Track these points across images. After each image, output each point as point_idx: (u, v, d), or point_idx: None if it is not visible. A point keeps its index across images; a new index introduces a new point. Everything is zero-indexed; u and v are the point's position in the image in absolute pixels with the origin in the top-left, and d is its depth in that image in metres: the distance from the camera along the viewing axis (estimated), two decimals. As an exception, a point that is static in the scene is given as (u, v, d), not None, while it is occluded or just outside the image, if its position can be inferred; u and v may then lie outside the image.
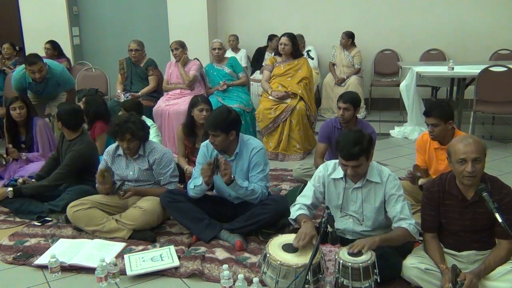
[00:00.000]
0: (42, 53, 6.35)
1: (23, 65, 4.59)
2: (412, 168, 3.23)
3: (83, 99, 4.29)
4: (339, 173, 2.68)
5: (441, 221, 2.48)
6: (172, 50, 5.20)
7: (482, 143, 2.34)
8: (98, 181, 3.24)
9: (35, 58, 4.44)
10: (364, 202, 2.64)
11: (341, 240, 2.52)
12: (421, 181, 3.10)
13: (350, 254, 2.36)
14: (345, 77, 6.47)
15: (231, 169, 2.94)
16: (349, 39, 6.52)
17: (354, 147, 2.46)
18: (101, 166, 3.39)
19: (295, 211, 2.70)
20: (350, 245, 2.41)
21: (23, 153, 4.17)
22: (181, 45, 5.19)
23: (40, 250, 2.99)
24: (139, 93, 5.23)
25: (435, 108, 3.12)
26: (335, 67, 6.65)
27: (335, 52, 6.66)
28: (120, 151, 3.33)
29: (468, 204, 2.38)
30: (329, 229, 2.31)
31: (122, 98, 5.18)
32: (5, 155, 4.16)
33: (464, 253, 2.45)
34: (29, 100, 4.49)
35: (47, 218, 3.45)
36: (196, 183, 3.07)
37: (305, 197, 2.75)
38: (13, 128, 4.24)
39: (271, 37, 6.74)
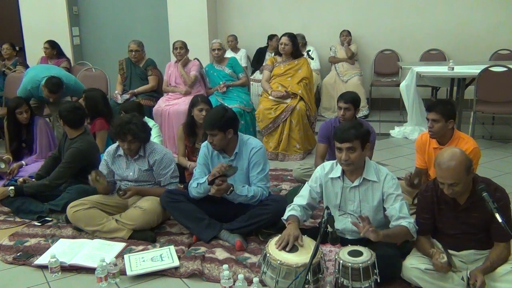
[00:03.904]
0: (41, 53, 6.36)
1: (39, 78, 4.62)
2: (413, 171, 3.22)
3: (83, 95, 4.29)
4: (337, 172, 2.68)
5: (438, 225, 2.49)
6: (176, 48, 5.17)
7: (462, 166, 2.25)
8: (93, 184, 3.25)
9: (58, 87, 4.53)
10: (362, 201, 2.64)
11: (341, 240, 2.52)
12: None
13: (350, 254, 2.36)
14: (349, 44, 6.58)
15: (226, 185, 2.93)
16: (348, 34, 6.71)
17: (349, 130, 2.54)
18: (101, 166, 3.40)
19: (287, 212, 2.71)
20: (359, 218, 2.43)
21: (22, 161, 4.17)
22: (185, 45, 5.21)
23: (40, 250, 2.99)
24: (135, 91, 5.24)
25: (438, 104, 3.13)
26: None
27: (335, 49, 6.75)
28: (121, 151, 3.33)
29: (461, 210, 2.39)
30: (329, 229, 2.31)
31: (119, 99, 5.17)
32: (4, 157, 4.16)
33: (464, 252, 2.46)
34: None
35: (47, 218, 3.45)
36: (199, 181, 3.07)
37: (301, 197, 2.76)
38: (15, 128, 4.24)
39: (271, 37, 6.75)
